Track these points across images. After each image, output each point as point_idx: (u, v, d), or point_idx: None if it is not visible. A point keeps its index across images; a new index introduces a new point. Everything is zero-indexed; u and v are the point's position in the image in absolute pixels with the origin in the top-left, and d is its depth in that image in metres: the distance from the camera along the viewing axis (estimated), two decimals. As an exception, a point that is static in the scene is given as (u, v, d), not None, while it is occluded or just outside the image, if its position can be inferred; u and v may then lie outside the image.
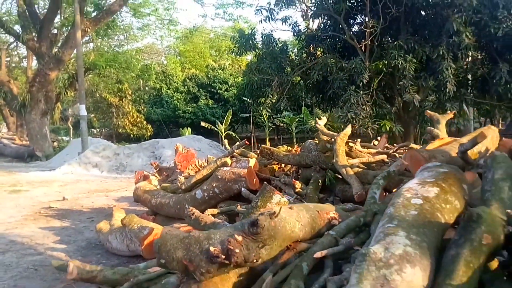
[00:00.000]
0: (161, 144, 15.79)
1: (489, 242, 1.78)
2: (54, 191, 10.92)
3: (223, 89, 27.87)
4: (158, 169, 7.49)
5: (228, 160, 5.61)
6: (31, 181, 12.64)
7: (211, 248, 1.82)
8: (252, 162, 5.34)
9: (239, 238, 1.86)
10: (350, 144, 4.88)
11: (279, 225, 1.96)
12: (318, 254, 1.99)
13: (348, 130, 4.98)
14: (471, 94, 13.03)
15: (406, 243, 1.81)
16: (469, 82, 13.18)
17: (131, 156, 15.67)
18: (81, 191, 10.76)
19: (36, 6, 21.86)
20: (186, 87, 28.81)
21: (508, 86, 12.12)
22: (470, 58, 12.93)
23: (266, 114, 20.47)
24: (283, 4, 14.01)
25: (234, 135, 21.98)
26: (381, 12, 12.81)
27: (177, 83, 29.29)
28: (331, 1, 13.54)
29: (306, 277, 2.06)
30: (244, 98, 20.47)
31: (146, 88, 31.32)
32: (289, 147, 6.71)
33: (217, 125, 21.60)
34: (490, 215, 1.90)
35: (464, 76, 13.01)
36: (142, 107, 29.41)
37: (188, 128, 23.85)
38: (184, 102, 28.25)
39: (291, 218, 2.11)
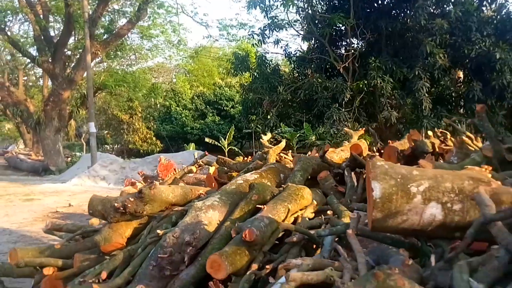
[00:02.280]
0: (166, 158, 17.31)
1: (256, 199, 3.22)
2: (63, 199, 12.51)
3: (230, 106, 29.48)
4: (144, 177, 9.00)
5: (193, 168, 7.10)
6: (44, 191, 14.27)
7: (116, 204, 3.29)
8: (212, 169, 6.79)
9: (132, 199, 3.33)
10: (281, 154, 6.32)
11: (157, 193, 3.43)
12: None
13: (282, 144, 6.44)
14: (446, 111, 14.26)
15: (215, 200, 3.25)
16: (446, 99, 14.42)
17: (136, 170, 17.20)
18: (87, 200, 12.18)
19: (51, 29, 23.84)
20: (194, 104, 30.53)
21: (480, 103, 13.31)
22: (446, 78, 14.21)
23: (258, 130, 21.93)
24: (273, 28, 15.44)
25: (237, 150, 23.45)
26: (363, 36, 14.34)
27: (185, 101, 31.02)
28: (317, 26, 14.98)
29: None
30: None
31: (158, 105, 33.04)
32: (244, 158, 8.16)
33: (220, 141, 23.12)
34: (261, 186, 3.36)
35: (440, 94, 14.29)
36: (152, 124, 31.19)
37: (192, 143, 25.46)
38: (192, 119, 29.92)
39: (167, 190, 3.57)
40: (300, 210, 3.26)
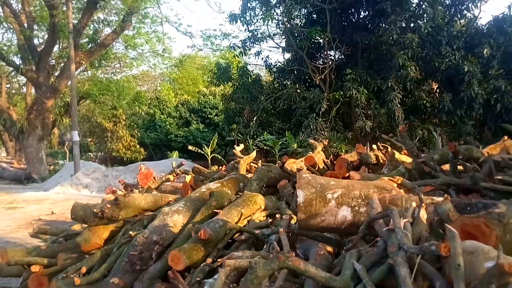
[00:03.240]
0: (146, 166, 17.79)
1: (214, 205, 3.80)
2: (46, 207, 12.96)
3: (214, 114, 30.06)
4: (124, 185, 9.54)
5: (171, 176, 7.67)
6: (26, 199, 14.70)
7: (95, 210, 3.86)
8: (188, 178, 7.36)
9: (109, 206, 3.89)
10: (252, 164, 6.91)
11: (131, 201, 4.00)
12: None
13: (253, 155, 7.04)
14: (419, 121, 14.97)
15: (180, 206, 3.83)
16: (419, 110, 15.11)
17: (119, 178, 17.67)
18: (69, 207, 12.72)
19: (35, 38, 24.28)
20: (178, 112, 31.07)
21: (450, 114, 14.06)
22: (419, 89, 14.91)
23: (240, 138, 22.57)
24: (254, 41, 16.07)
25: (220, 157, 24.01)
26: (339, 49, 15.04)
27: (170, 108, 31.55)
28: (296, 39, 15.63)
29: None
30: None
31: (142, 113, 33.47)
32: (218, 167, 8.76)
33: (204, 149, 23.67)
34: (220, 193, 3.95)
35: (413, 104, 14.98)
36: (136, 132, 31.65)
37: (176, 151, 25.99)
38: (176, 127, 30.44)
39: (140, 198, 4.15)
40: (253, 214, 3.85)
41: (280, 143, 23.68)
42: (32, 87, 27.87)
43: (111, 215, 3.86)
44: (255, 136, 16.45)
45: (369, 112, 14.69)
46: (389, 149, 5.14)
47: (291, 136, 22.92)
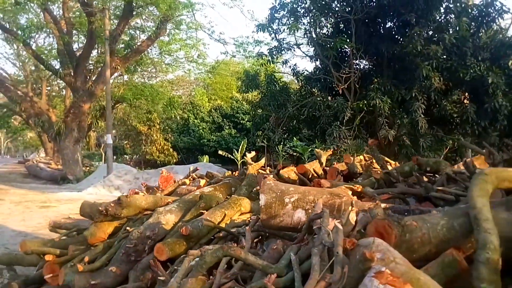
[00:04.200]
0: (175, 170, 18.54)
1: (203, 206, 4.33)
2: (77, 207, 13.62)
3: (246, 120, 30.72)
4: (146, 187, 10.19)
5: (187, 180, 8.25)
6: (60, 199, 15.62)
7: (100, 208, 4.46)
8: (202, 182, 7.93)
9: (113, 204, 4.49)
10: (260, 170, 7.41)
11: (132, 201, 4.58)
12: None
13: (262, 161, 7.53)
14: (442, 131, 15.13)
15: (173, 206, 4.38)
16: (443, 120, 15.28)
17: (149, 180, 18.49)
18: (98, 207, 13.64)
19: (74, 43, 25.52)
20: (211, 117, 31.89)
21: (474, 125, 14.21)
22: (443, 100, 15.09)
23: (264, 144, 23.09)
24: (281, 50, 16.60)
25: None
26: (365, 59, 15.42)
27: (203, 113, 32.41)
28: (322, 48, 16.05)
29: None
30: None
31: (178, 117, 34.41)
32: (232, 172, 9.28)
33: (234, 153, 24.32)
34: (209, 196, 4.47)
35: (437, 115, 15.16)
36: (170, 135, 32.63)
37: (206, 156, 26.75)
38: (209, 131, 31.25)
39: (141, 198, 4.73)
40: (241, 215, 4.38)
41: (309, 149, 24.10)
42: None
43: (114, 213, 4.45)
44: (280, 143, 16.91)
45: (392, 121, 14.94)
46: (373, 161, 5.56)
47: (320, 143, 23.38)
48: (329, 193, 3.32)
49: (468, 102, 14.70)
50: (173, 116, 33.16)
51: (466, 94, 14.84)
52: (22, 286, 4.51)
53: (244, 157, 8.10)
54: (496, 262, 2.24)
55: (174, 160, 30.94)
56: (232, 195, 4.63)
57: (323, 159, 6.95)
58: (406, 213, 3.12)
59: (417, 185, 3.98)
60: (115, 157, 33.70)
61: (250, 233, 3.30)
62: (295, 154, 26.11)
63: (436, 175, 4.34)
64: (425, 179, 4.20)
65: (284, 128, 16.76)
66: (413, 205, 3.55)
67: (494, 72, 13.51)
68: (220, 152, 24.93)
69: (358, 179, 4.78)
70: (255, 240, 3.73)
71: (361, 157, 5.91)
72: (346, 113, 14.63)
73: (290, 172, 5.79)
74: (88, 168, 26.66)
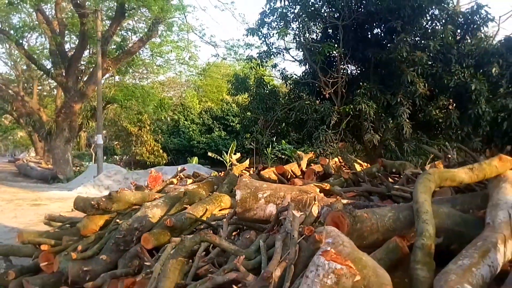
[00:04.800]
0: (164, 171, 18.94)
1: (186, 202, 4.76)
2: (67, 205, 14.04)
3: (236, 122, 31.13)
4: (135, 186, 10.58)
5: (174, 180, 8.66)
6: (50, 197, 15.95)
7: (92, 202, 4.87)
8: (189, 181, 8.35)
9: (104, 199, 4.90)
10: (244, 171, 7.84)
11: (121, 196, 4.99)
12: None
13: (246, 163, 7.98)
14: (426, 136, 15.59)
15: (160, 201, 4.81)
16: (427, 125, 15.73)
17: (138, 180, 18.83)
18: (88, 206, 14.00)
19: (66, 43, 25.82)
20: (201, 119, 32.29)
21: (457, 130, 14.67)
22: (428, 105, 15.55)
23: (252, 147, 23.52)
24: (270, 54, 17.03)
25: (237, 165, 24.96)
26: (352, 64, 15.88)
27: (193, 115, 32.79)
28: (310, 53, 16.49)
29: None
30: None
31: (168, 119, 34.75)
32: (218, 172, 9.71)
33: (223, 155, 24.72)
34: (192, 192, 4.89)
35: (422, 120, 15.63)
36: (160, 137, 32.98)
37: (195, 157, 27.13)
38: (199, 133, 31.64)
39: (130, 194, 5.15)
40: (220, 210, 4.80)
41: (307, 152, 24.54)
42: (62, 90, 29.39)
43: (105, 207, 4.87)
44: (268, 146, 17.32)
45: (378, 125, 15.39)
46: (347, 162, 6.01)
47: (307, 146, 23.86)
48: (298, 190, 3.75)
49: (452, 108, 15.15)
50: (163, 118, 33.52)
51: (451, 100, 15.27)
52: (18, 274, 4.88)
53: (230, 159, 8.52)
54: (430, 247, 2.67)
55: (164, 161, 31.29)
56: (214, 192, 5.06)
57: (304, 161, 7.40)
58: (365, 208, 3.55)
59: (381, 185, 4.41)
60: (105, 157, 34.00)
61: (227, 224, 3.72)
62: (283, 156, 26.56)
63: (401, 176, 4.79)
64: (391, 179, 4.64)
65: (272, 131, 17.16)
66: (374, 202, 3.98)
67: (478, 79, 13.89)
68: (209, 154, 25.31)
69: (330, 179, 5.22)
70: (234, 233, 4.15)
71: (336, 159, 6.34)
72: (333, 117, 15.03)
73: (270, 172, 6.22)
74: (78, 168, 26.94)
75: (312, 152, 9.52)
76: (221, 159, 24.87)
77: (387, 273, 2.46)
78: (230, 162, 24.77)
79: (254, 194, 3.67)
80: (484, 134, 14.72)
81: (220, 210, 4.76)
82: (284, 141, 24.24)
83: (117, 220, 4.69)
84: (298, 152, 8.08)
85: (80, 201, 5.16)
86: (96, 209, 4.88)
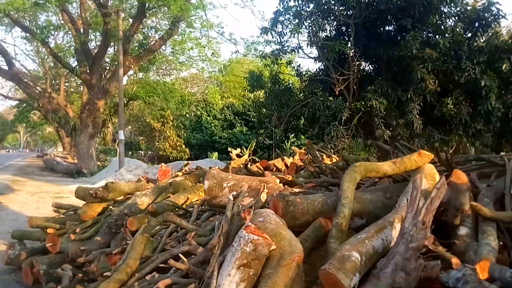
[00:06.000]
0: (183, 165, 19.75)
1: (171, 192, 5.46)
2: (87, 198, 15.07)
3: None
4: (147, 179, 11.38)
5: (179, 173, 9.41)
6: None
7: (91, 191, 5.63)
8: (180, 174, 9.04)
9: (101, 189, 5.65)
10: (241, 165, 8.52)
11: (116, 186, 5.74)
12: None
13: (245, 157, 8.66)
14: (437, 132, 15.96)
15: (148, 191, 5.54)
16: (437, 121, 16.11)
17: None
18: (107, 199, 14.91)
19: (91, 41, 26.92)
20: (223, 114, 33.10)
21: (468, 126, 15.02)
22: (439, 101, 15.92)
23: (266, 142, 24.12)
24: (285, 52, 17.64)
25: (258, 160, 25.67)
26: (364, 61, 16.37)
27: (216, 111, 33.63)
28: (323, 50, 17.03)
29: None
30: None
31: (192, 114, 35.62)
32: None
33: (242, 151, 25.40)
34: (177, 183, 5.59)
35: (432, 116, 16.01)
36: (183, 132, 33.94)
37: (216, 152, 27.95)
38: (221, 129, 32.46)
39: (124, 185, 5.90)
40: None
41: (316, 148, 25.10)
42: (87, 87, 30.49)
43: (102, 195, 5.63)
44: (283, 141, 17.93)
45: (389, 121, 15.83)
46: (324, 156, 6.65)
47: (319, 142, 24.38)
48: (259, 181, 4.41)
49: (463, 104, 15.48)
50: (185, 113, 34.42)
51: (462, 96, 15.60)
52: (29, 255, 5.68)
53: (230, 153, 9.22)
54: (342, 225, 3.31)
55: (186, 156, 32.18)
56: (198, 183, 5.76)
57: (296, 156, 8.04)
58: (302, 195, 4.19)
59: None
60: (130, 152, 35.22)
61: (196, 209, 4.42)
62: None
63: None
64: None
65: (286, 126, 17.76)
66: (332, 192, 4.61)
67: (488, 75, 14.20)
68: (229, 149, 26.04)
69: (301, 172, 5.87)
70: (211, 218, 4.85)
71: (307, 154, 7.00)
72: (344, 113, 15.54)
73: (257, 166, 6.90)
74: (102, 162, 28.08)
75: (304, 148, 10.09)
76: (241, 154, 25.52)
77: (300, 245, 3.11)
78: (250, 158, 25.56)
79: (220, 184, 4.35)
80: (495, 130, 15.02)
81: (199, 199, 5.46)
82: (303, 137, 24.76)
83: (111, 207, 5.45)
84: (293, 147, 8.73)
85: (81, 191, 5.95)
86: (94, 198, 5.65)
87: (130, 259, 3.64)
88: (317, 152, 6.55)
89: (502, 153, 8.02)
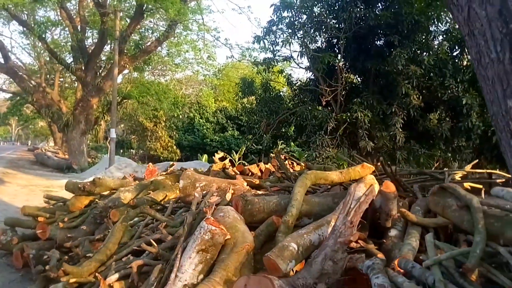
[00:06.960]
0: (169, 166, 20.39)
1: (152, 189, 6.14)
2: (76, 193, 15.70)
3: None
4: (134, 178, 12.03)
5: (164, 173, 10.08)
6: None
7: (79, 185, 6.30)
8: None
9: (88, 183, 6.32)
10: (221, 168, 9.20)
11: (103, 182, 6.41)
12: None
13: (225, 162, 9.34)
14: (418, 146, 16.70)
15: (131, 187, 6.21)
16: (419, 135, 16.83)
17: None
18: (95, 195, 15.54)
19: (88, 39, 27.57)
20: (216, 117, 33.80)
21: (449, 141, 15.76)
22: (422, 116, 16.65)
23: (253, 148, 24.81)
24: (277, 61, 18.36)
25: (247, 164, 26.38)
26: (353, 73, 17.11)
27: (208, 114, 34.32)
28: (313, 61, 17.75)
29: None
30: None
31: (185, 116, 36.28)
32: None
33: (232, 155, 26.13)
34: (157, 181, 6.28)
35: (415, 130, 16.74)
36: (175, 133, 34.60)
37: (205, 155, 28.61)
38: (213, 131, 33.15)
39: (110, 181, 6.57)
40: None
41: (306, 155, 25.81)
42: (82, 83, 31.07)
43: (90, 189, 6.31)
44: (271, 148, 18.62)
45: (373, 133, 16.54)
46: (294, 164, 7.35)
47: (306, 150, 25.11)
48: (228, 182, 5.10)
49: (445, 120, 16.20)
50: (177, 115, 35.08)
51: (444, 113, 16.33)
52: (20, 240, 6.32)
53: (213, 157, 9.90)
54: (289, 222, 4.00)
55: (177, 157, 32.85)
56: (176, 182, 6.44)
57: (274, 162, 8.70)
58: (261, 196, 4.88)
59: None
60: (121, 150, 35.82)
61: (171, 204, 5.10)
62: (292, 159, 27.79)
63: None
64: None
65: (274, 133, 18.45)
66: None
67: (470, 94, 14.92)
68: (219, 152, 26.71)
69: (270, 177, 6.57)
70: (183, 214, 5.51)
71: (287, 162, 7.68)
72: (330, 123, 16.23)
73: (233, 170, 7.59)
74: (93, 159, 28.68)
75: (284, 156, 10.77)
76: (230, 158, 26.23)
77: (251, 236, 3.79)
78: (239, 162, 26.26)
79: (193, 183, 5.03)
80: (474, 146, 15.75)
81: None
82: (293, 144, 25.49)
83: (97, 200, 6.13)
84: (271, 154, 9.42)
85: (70, 185, 6.62)
86: (82, 191, 6.32)
87: (110, 243, 4.31)
88: (285, 160, 7.26)
89: (445, 169, 8.81)
